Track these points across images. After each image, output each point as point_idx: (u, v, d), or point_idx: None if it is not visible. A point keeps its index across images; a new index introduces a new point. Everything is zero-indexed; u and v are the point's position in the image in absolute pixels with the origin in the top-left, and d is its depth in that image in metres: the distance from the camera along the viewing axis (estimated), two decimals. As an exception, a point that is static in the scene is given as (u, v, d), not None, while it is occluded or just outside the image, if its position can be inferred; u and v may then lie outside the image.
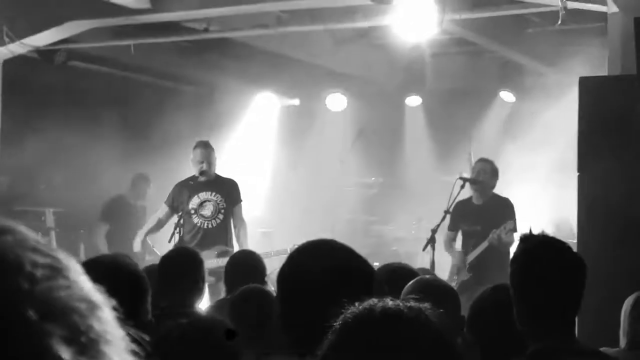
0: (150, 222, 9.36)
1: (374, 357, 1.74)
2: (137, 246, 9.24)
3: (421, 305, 1.80)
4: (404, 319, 1.75)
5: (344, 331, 1.77)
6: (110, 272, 3.12)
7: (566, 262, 3.19)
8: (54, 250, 0.92)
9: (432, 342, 1.75)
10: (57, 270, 0.89)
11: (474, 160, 10.32)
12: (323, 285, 2.35)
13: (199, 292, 5.52)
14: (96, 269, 3.14)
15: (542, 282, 3.13)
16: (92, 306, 0.90)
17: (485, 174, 9.08)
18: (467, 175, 9.25)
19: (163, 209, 9.30)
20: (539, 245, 3.22)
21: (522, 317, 3.19)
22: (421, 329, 1.75)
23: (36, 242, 0.90)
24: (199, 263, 5.59)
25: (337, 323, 1.79)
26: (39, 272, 0.87)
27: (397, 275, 4.04)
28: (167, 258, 5.76)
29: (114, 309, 0.95)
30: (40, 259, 0.88)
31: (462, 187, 8.90)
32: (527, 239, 3.21)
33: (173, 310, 5.09)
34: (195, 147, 9.22)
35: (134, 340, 0.98)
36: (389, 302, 1.79)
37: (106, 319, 0.92)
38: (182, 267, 5.45)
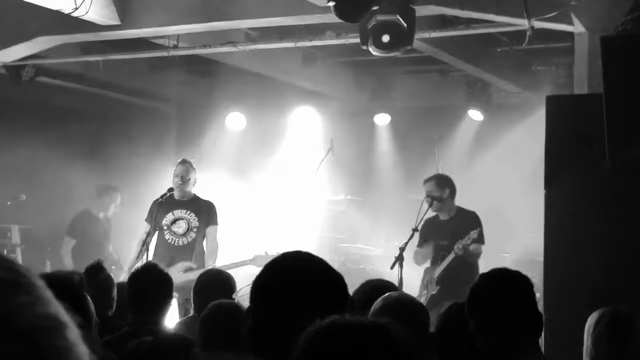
0: (136, 249, 9.20)
1: None
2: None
3: (384, 320, 1.81)
4: (366, 333, 1.76)
5: (307, 346, 1.78)
6: (60, 289, 3.09)
7: (517, 284, 3.42)
8: (17, 265, 0.89)
9: (394, 356, 1.75)
10: (19, 286, 0.87)
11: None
12: (296, 299, 2.34)
13: (166, 309, 5.50)
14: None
15: (498, 304, 3.31)
16: (57, 324, 0.88)
17: (434, 192, 9.10)
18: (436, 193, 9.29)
19: (145, 228, 9.27)
20: (493, 274, 3.55)
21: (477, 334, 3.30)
22: (384, 344, 1.76)
23: None
24: (168, 281, 5.58)
25: (302, 338, 1.80)
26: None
27: (380, 293, 4.04)
28: (136, 275, 5.74)
29: (79, 326, 0.92)
30: (2, 274, 0.86)
31: (431, 204, 8.95)
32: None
33: (140, 327, 5.07)
34: (177, 164, 9.30)
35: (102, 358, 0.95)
36: (352, 318, 1.80)
37: (71, 337, 0.89)
38: (151, 285, 5.43)
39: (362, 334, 1.76)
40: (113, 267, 9.55)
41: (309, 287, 2.44)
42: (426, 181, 9.30)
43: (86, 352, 0.91)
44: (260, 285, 2.48)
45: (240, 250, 10.77)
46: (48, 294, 0.90)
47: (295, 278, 2.46)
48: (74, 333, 0.90)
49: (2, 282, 0.85)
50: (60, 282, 3.20)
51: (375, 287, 4.31)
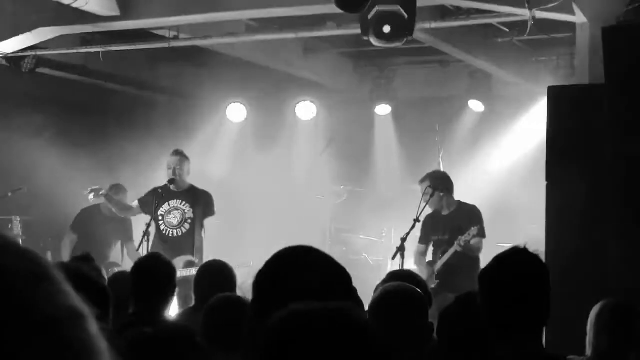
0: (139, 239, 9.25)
1: (297, 356, 1.74)
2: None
3: (346, 304, 1.81)
4: (327, 319, 1.76)
5: (269, 335, 1.79)
6: (72, 281, 3.09)
7: (534, 271, 3.24)
8: (38, 257, 0.88)
9: (355, 340, 1.75)
10: (41, 278, 0.86)
11: (442, 169, 10.37)
12: (300, 291, 2.34)
13: (169, 300, 5.51)
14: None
15: (511, 291, 3.18)
16: (78, 316, 0.87)
17: (431, 189, 9.04)
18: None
19: (135, 205, 9.37)
20: (509, 255, 3.29)
21: (491, 325, 3.22)
22: (345, 328, 1.76)
23: (19, 248, 0.87)
24: (171, 271, 5.59)
25: (265, 328, 1.81)
26: (20, 279, 0.84)
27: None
28: (139, 265, 5.75)
29: (97, 319, 0.91)
30: (23, 265, 0.85)
31: (432, 195, 8.93)
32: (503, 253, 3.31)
33: (143, 318, 5.06)
34: (170, 155, 9.27)
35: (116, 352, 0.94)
36: (313, 304, 1.80)
37: (91, 330, 0.88)
38: (154, 275, 5.43)
39: (323, 319, 1.76)
40: (117, 268, 9.52)
41: (314, 281, 2.44)
42: (421, 181, 9.27)
43: (105, 345, 0.90)
44: (262, 279, 2.48)
45: (241, 245, 10.78)
46: (68, 285, 0.89)
47: (300, 271, 2.46)
48: (94, 325, 0.89)
49: (25, 273, 0.84)
50: (80, 273, 3.20)
51: (400, 277, 4.31)
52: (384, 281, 4.57)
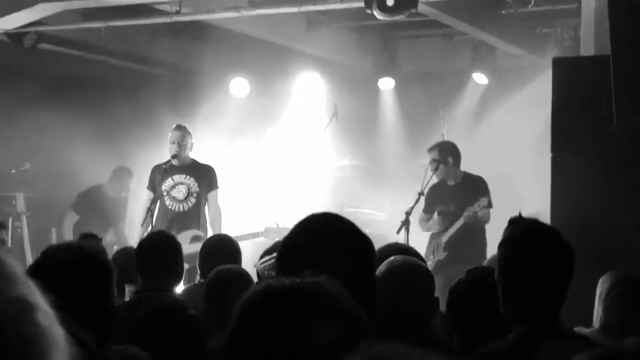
0: (142, 215, 9.19)
1: (270, 329, 1.73)
2: None
3: (321, 279, 1.79)
4: (302, 294, 1.75)
5: (244, 310, 1.78)
6: (76, 259, 3.07)
7: (555, 248, 3.17)
8: None
9: (331, 315, 1.74)
10: None
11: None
12: (327, 261, 2.31)
13: (176, 276, 5.50)
14: (62, 256, 3.11)
15: (530, 267, 3.12)
16: (25, 308, 0.82)
17: (436, 162, 9.01)
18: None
19: (148, 196, 9.25)
20: (528, 230, 3.21)
21: (506, 300, 3.18)
22: (320, 303, 1.74)
23: None
24: (177, 247, 5.58)
25: (239, 303, 1.80)
26: None
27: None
28: (145, 241, 5.75)
29: (55, 306, 0.86)
30: None
31: (437, 168, 8.91)
32: (516, 222, 3.20)
33: (150, 294, 5.06)
34: (172, 130, 9.23)
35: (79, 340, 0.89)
36: (288, 279, 1.79)
37: (41, 321, 0.82)
38: (160, 251, 5.43)
39: (298, 294, 1.74)
40: (115, 246, 9.52)
41: (341, 249, 2.42)
42: (429, 150, 9.26)
43: (61, 334, 0.84)
44: (290, 247, 2.46)
45: (247, 219, 10.78)
46: (15, 272, 0.84)
47: (328, 240, 2.44)
48: (45, 315, 0.83)
49: None
50: (85, 250, 3.18)
51: (396, 252, 4.27)
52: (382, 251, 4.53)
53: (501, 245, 3.21)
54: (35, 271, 2.99)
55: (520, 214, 3.23)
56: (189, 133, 9.24)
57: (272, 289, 1.78)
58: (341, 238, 2.46)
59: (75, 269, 3.01)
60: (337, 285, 1.80)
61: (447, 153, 9.10)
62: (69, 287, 2.87)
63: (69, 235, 10.57)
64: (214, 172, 9.24)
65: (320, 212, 2.55)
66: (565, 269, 3.15)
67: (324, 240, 2.43)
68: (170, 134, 9.22)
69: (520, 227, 3.19)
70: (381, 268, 3.79)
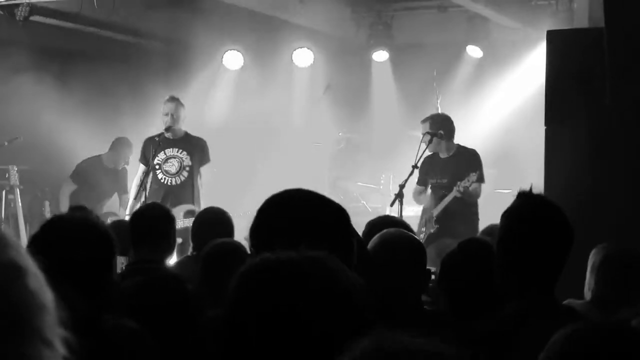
0: (134, 189, 9.19)
1: (268, 304, 1.72)
2: None
3: (319, 253, 1.78)
4: (300, 267, 1.74)
5: (240, 285, 1.77)
6: (81, 229, 3.08)
7: (557, 225, 3.18)
8: None
9: (331, 289, 1.73)
10: None
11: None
12: (295, 236, 2.30)
13: (169, 248, 5.50)
14: (66, 225, 3.11)
15: (530, 239, 3.12)
16: (13, 272, 0.82)
17: (429, 135, 8.97)
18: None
19: (141, 169, 9.24)
20: (535, 204, 3.22)
21: (501, 271, 3.18)
22: (320, 277, 1.73)
23: None
24: (169, 219, 5.58)
25: (234, 277, 1.79)
26: None
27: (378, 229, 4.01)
28: (138, 214, 5.75)
29: (45, 270, 0.86)
30: None
31: (430, 141, 8.90)
32: (524, 195, 3.21)
33: (143, 266, 5.06)
34: (165, 102, 9.20)
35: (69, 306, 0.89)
36: (284, 253, 1.78)
37: (30, 284, 0.83)
38: (153, 223, 5.43)
39: (297, 266, 1.75)
40: (114, 217, 9.52)
41: (311, 218, 2.41)
42: (422, 122, 9.23)
43: (50, 297, 0.85)
44: (257, 225, 2.45)
45: (240, 193, 10.77)
46: (5, 236, 0.84)
47: (296, 209, 2.43)
48: (34, 279, 0.84)
49: None
50: (86, 221, 3.18)
51: (388, 224, 4.27)
52: (373, 224, 4.53)
53: (505, 216, 3.22)
54: (38, 241, 3.01)
55: (531, 188, 3.24)
56: (182, 105, 9.21)
57: (270, 262, 1.77)
58: (309, 212, 2.44)
59: (81, 240, 3.02)
60: (336, 260, 1.79)
61: (439, 125, 9.08)
62: (74, 257, 2.90)
63: (65, 206, 10.57)
64: (206, 146, 9.23)
65: (288, 189, 2.54)
66: (563, 247, 3.16)
67: (307, 224, 2.42)
68: (163, 106, 9.18)
69: (527, 200, 3.20)
70: (374, 240, 3.80)
